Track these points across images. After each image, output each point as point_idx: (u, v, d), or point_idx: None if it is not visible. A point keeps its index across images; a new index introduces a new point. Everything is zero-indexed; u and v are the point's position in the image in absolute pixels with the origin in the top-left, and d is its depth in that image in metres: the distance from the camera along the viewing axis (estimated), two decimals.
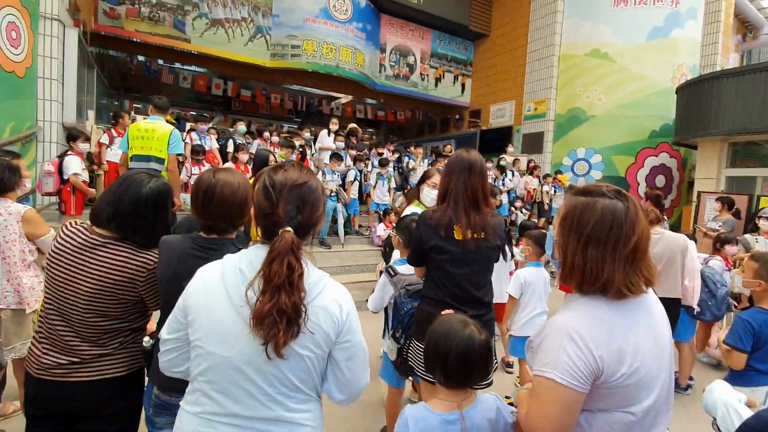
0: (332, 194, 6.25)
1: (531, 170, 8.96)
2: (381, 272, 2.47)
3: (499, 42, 11.27)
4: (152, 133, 3.63)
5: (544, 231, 4.39)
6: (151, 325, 1.59)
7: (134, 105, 11.65)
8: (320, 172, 6.28)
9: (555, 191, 8.45)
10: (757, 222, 4.82)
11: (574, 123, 9.30)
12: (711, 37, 9.99)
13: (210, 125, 6.63)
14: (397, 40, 10.90)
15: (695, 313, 3.44)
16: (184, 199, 5.18)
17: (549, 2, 9.62)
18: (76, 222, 1.47)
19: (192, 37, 8.24)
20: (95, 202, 1.48)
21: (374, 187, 6.91)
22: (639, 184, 8.85)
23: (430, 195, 2.52)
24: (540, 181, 8.70)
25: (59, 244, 1.42)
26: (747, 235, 4.82)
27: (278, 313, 0.92)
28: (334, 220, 6.41)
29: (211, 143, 6.62)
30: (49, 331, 1.42)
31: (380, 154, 7.58)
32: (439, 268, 1.80)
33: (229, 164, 5.83)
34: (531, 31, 10.15)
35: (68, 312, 1.39)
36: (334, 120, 7.36)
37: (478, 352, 1.13)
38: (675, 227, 8.58)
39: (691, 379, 3.55)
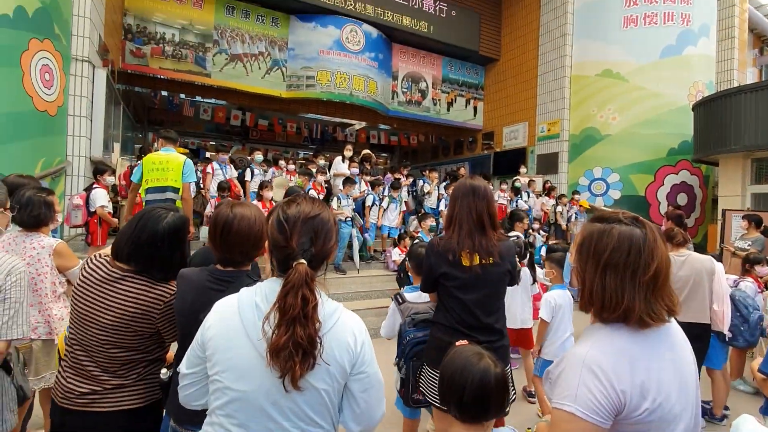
0: (347, 219, 6.29)
1: (547, 191, 8.88)
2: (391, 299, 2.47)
3: (509, 65, 11.42)
4: (167, 164, 3.76)
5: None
6: (170, 356, 1.61)
7: (157, 137, 12.15)
8: (335, 198, 6.34)
9: (576, 216, 8.31)
10: None
11: (589, 143, 9.24)
12: (726, 53, 9.91)
13: (229, 154, 6.76)
14: (409, 67, 11.16)
15: (727, 338, 3.29)
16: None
17: (558, 25, 9.75)
18: (99, 255, 1.53)
19: (212, 72, 8.62)
20: (116, 237, 1.53)
21: (385, 209, 6.90)
22: (660, 202, 8.65)
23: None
24: (555, 202, 8.60)
25: (84, 277, 1.48)
26: None
27: (294, 346, 0.93)
28: (350, 246, 6.43)
29: (231, 172, 6.75)
30: (73, 360, 1.47)
31: (397, 179, 7.62)
32: (449, 295, 1.80)
33: (255, 202, 5.89)
34: (541, 53, 10.26)
35: (89, 343, 1.44)
36: (349, 146, 7.50)
37: (494, 386, 1.11)
38: (700, 247, 8.30)
39: (726, 408, 3.36)
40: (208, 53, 8.59)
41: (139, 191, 3.84)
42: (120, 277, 1.45)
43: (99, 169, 4.83)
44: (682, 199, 8.64)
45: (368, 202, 6.76)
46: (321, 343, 0.97)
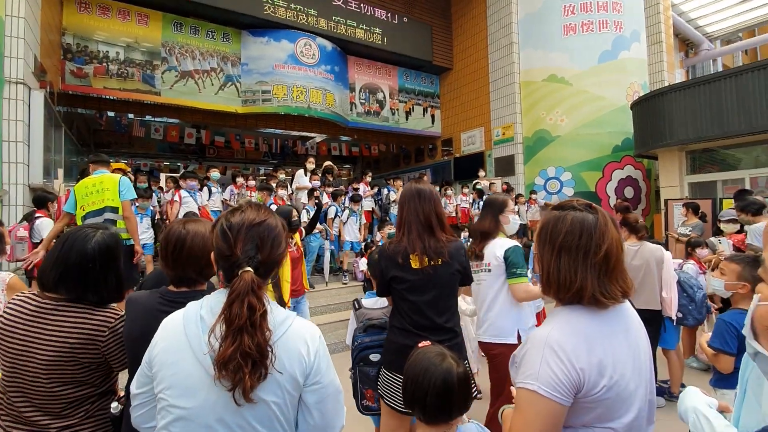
0: (318, 233, 6.24)
1: (506, 192, 9.19)
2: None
3: (462, 74, 11.80)
4: (101, 185, 3.66)
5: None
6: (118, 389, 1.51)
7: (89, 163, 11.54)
8: (303, 211, 6.26)
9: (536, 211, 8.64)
10: (719, 225, 5.03)
11: (541, 144, 9.66)
12: (656, 56, 10.72)
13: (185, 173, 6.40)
14: (365, 78, 11.28)
15: (677, 319, 3.50)
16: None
17: (504, 35, 10.21)
18: (22, 292, 1.41)
19: (162, 90, 8.33)
20: (41, 265, 1.41)
21: (344, 223, 6.79)
22: (609, 197, 9.15)
23: (515, 222, 2.50)
24: (516, 202, 8.90)
25: (9, 315, 1.34)
26: (712, 238, 5.01)
27: (242, 357, 0.89)
28: (318, 259, 6.36)
29: (202, 199, 6.35)
30: (10, 407, 1.33)
31: (356, 190, 7.64)
32: (401, 298, 1.82)
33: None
34: (491, 62, 10.69)
35: (27, 385, 1.30)
36: (311, 159, 7.45)
37: (456, 385, 1.12)
38: (649, 236, 8.83)
39: (683, 386, 3.55)
40: (157, 71, 8.30)
41: (75, 220, 3.62)
42: (54, 307, 1.33)
43: (43, 198, 4.52)
44: (629, 192, 9.18)
45: (330, 214, 6.73)
46: (273, 352, 0.93)
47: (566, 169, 9.34)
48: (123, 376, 1.47)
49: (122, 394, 1.43)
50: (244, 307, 0.91)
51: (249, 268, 0.96)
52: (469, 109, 11.56)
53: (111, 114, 9.40)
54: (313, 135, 12.04)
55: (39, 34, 6.00)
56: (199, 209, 5.96)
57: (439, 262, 1.76)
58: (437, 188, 9.04)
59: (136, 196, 4.29)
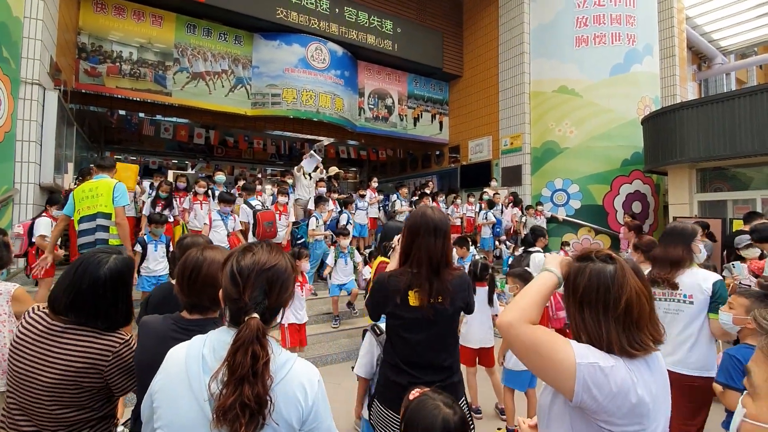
0: (324, 239, 6.27)
1: (513, 203, 9.17)
2: (365, 332, 2.43)
3: (472, 82, 11.78)
4: (96, 190, 3.69)
5: (527, 268, 4.44)
6: (120, 412, 1.53)
7: (115, 156, 11.66)
8: (312, 218, 6.30)
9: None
10: (738, 253, 4.88)
11: (549, 155, 9.62)
12: (669, 70, 10.64)
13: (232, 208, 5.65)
14: (375, 84, 11.31)
15: None
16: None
17: (516, 44, 10.18)
18: (38, 308, 1.44)
19: (173, 91, 8.41)
20: (53, 288, 1.42)
21: (332, 267, 5.61)
22: (617, 210, 9.09)
23: (704, 251, 2.44)
24: (522, 213, 8.88)
25: (21, 332, 1.37)
26: (730, 263, 4.90)
27: (240, 407, 0.90)
28: (321, 265, 6.37)
29: (235, 224, 5.68)
30: (11, 425, 1.35)
31: (362, 196, 7.65)
32: (395, 333, 1.74)
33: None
34: (501, 71, 10.67)
35: (30, 405, 1.32)
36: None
37: None
38: None
39: None
40: (169, 71, 8.38)
41: (73, 223, 3.69)
42: (62, 330, 1.36)
43: (52, 199, 4.60)
44: (636, 207, 9.11)
45: (342, 222, 6.74)
46: (271, 401, 0.93)
47: (574, 181, 9.29)
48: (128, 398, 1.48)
49: (128, 417, 1.45)
50: (248, 357, 0.92)
51: (256, 315, 0.97)
52: (477, 117, 11.54)
53: (122, 113, 9.50)
54: (320, 138, 12.09)
55: (56, 34, 6.08)
56: (228, 235, 5.51)
57: (439, 300, 1.68)
58: (443, 196, 9.05)
59: (128, 203, 4.23)
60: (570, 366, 0.95)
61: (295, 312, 4.23)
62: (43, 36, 5.39)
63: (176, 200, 6.27)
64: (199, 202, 6.18)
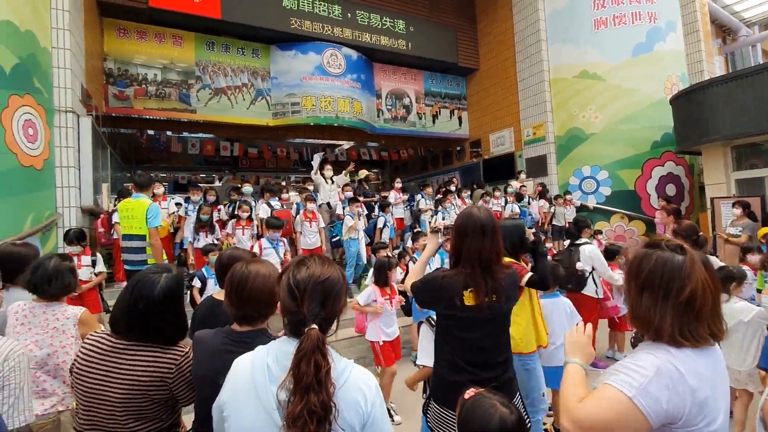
0: (356, 239, 6.34)
1: (540, 194, 8.98)
2: (420, 324, 2.48)
3: (489, 74, 11.62)
4: (132, 212, 3.90)
5: (579, 263, 4.35)
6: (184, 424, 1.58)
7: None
8: (346, 217, 6.42)
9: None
10: None
11: (574, 143, 9.38)
12: (693, 46, 10.20)
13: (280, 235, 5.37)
14: (391, 84, 11.32)
15: None
16: None
17: (532, 32, 9.98)
18: (96, 332, 1.51)
19: (197, 108, 8.67)
20: (113, 309, 1.49)
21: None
22: (650, 195, 8.76)
23: None
24: (552, 204, 8.68)
25: (84, 354, 1.44)
26: None
27: (308, 414, 0.94)
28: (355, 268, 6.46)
29: (286, 248, 5.47)
30: None
31: (385, 197, 7.67)
32: (450, 334, 1.77)
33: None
34: (518, 60, 10.48)
35: (102, 421, 1.39)
36: (328, 166, 7.50)
37: None
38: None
39: None
40: (192, 89, 8.65)
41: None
42: (126, 347, 1.43)
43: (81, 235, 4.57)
44: (670, 189, 8.77)
45: (380, 224, 6.87)
46: (336, 408, 0.98)
47: (602, 167, 9.02)
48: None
49: (189, 428, 1.51)
50: (311, 366, 0.96)
51: (315, 326, 1.01)
52: (497, 109, 11.38)
53: (150, 132, 9.87)
54: (341, 143, 12.21)
55: (83, 61, 6.38)
56: (282, 263, 5.21)
57: (494, 298, 1.70)
58: (467, 192, 8.95)
59: (161, 224, 4.37)
60: (629, 407, 0.95)
61: (385, 329, 3.78)
62: (72, 64, 5.66)
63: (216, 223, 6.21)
64: (241, 227, 5.97)
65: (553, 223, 8.59)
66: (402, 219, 8.30)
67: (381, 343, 3.71)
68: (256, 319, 1.41)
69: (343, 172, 7.68)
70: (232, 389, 1.07)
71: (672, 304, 1.01)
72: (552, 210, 8.49)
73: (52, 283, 1.99)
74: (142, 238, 3.89)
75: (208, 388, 1.27)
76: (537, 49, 9.85)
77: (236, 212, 6.11)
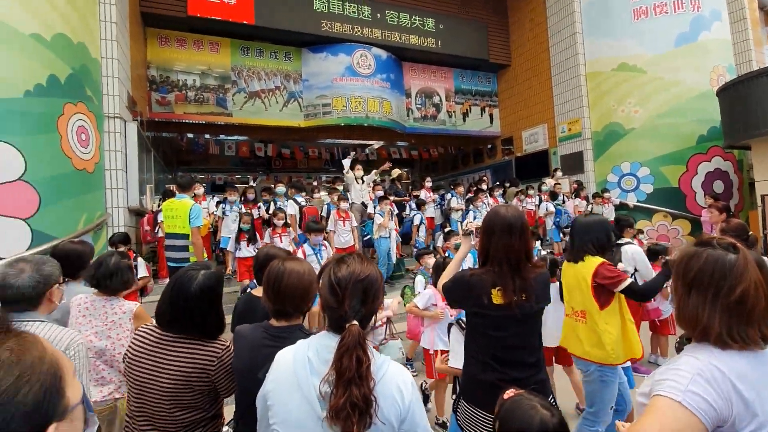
0: (387, 237, 6.39)
1: (576, 192, 8.70)
2: (450, 326, 2.47)
3: (521, 69, 11.37)
4: (176, 212, 4.13)
5: (620, 263, 4.19)
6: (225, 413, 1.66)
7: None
8: (376, 215, 6.50)
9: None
10: None
11: (613, 138, 9.02)
12: (741, 35, 9.57)
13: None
14: (421, 83, 11.28)
15: None
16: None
17: (566, 25, 9.68)
18: (145, 325, 1.61)
19: (233, 111, 8.98)
20: (157, 304, 1.57)
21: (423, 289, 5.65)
22: (695, 192, 8.31)
23: None
24: (589, 202, 8.39)
25: (135, 346, 1.53)
26: None
27: (351, 407, 0.97)
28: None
29: (328, 253, 5.27)
30: (135, 430, 1.52)
31: (416, 197, 7.66)
32: (480, 332, 1.76)
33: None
34: (552, 54, 10.19)
35: (151, 409, 1.47)
36: (359, 166, 7.57)
37: None
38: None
39: None
40: (228, 94, 8.96)
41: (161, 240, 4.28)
42: (172, 340, 1.51)
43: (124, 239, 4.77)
44: (718, 186, 8.28)
45: (416, 221, 6.90)
46: (376, 401, 1.00)
47: (643, 164, 8.63)
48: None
49: (230, 418, 1.58)
50: (353, 361, 1.00)
51: (356, 322, 1.05)
52: (530, 105, 11.11)
53: (190, 135, 10.29)
54: (371, 142, 12.27)
55: (129, 70, 6.73)
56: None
57: (523, 297, 1.67)
58: (500, 191, 8.80)
59: (203, 224, 4.68)
60: (682, 411, 0.92)
61: (443, 336, 3.40)
62: (119, 73, 5.99)
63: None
64: (278, 234, 5.94)
65: None
66: (432, 218, 8.26)
67: (433, 352, 3.41)
68: (292, 314, 1.46)
69: (374, 171, 7.72)
70: (275, 381, 1.12)
71: (722, 305, 0.97)
72: (590, 209, 8.19)
73: (113, 279, 2.14)
74: (185, 236, 4.11)
75: (248, 381, 1.33)
76: (572, 42, 9.55)
77: (272, 221, 6.14)
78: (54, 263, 1.77)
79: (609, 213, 7.97)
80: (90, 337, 2.09)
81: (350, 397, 0.97)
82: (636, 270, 4.28)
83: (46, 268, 1.69)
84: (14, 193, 4.14)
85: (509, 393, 1.24)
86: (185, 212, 4.10)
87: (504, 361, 1.70)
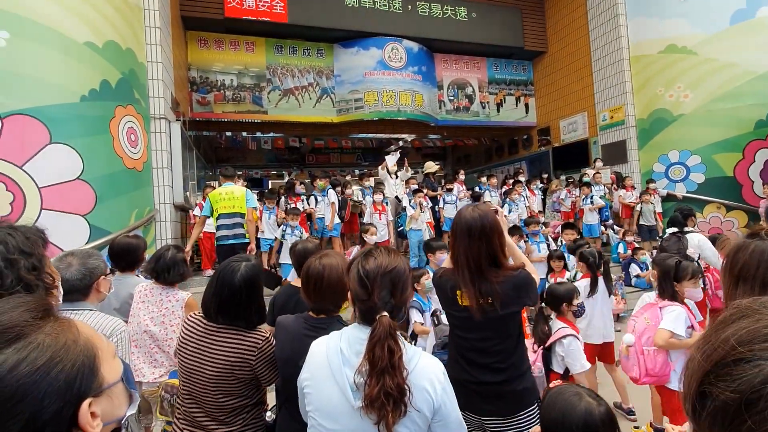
0: (418, 229, 6.40)
1: (616, 182, 8.32)
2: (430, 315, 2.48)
3: (559, 56, 10.94)
4: (232, 195, 4.70)
5: (689, 252, 4.11)
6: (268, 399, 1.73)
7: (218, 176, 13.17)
8: (408, 207, 6.56)
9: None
10: None
11: (660, 125, 8.54)
12: None
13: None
14: (453, 74, 11.10)
15: None
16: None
17: (608, 7, 9.20)
18: (194, 314, 1.69)
19: (268, 109, 9.21)
20: (203, 296, 1.65)
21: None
22: (753, 181, 7.73)
23: None
24: (642, 195, 7.93)
25: (185, 335, 1.62)
26: None
27: (385, 396, 1.00)
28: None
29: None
30: (185, 413, 1.60)
31: (449, 190, 7.59)
32: (452, 332, 1.78)
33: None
34: (593, 39, 9.73)
35: (198, 394, 1.55)
36: (394, 163, 7.58)
37: (600, 426, 1.06)
38: None
39: None
40: (263, 92, 9.20)
41: (211, 221, 4.83)
42: (216, 330, 1.58)
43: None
44: None
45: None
46: (410, 391, 1.02)
47: (694, 152, 8.12)
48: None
49: (273, 404, 1.65)
50: (384, 351, 1.02)
51: (386, 313, 1.07)
52: (568, 93, 10.69)
53: (228, 134, 10.65)
54: (403, 136, 12.24)
55: (172, 72, 7.05)
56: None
57: (489, 301, 1.60)
58: (537, 182, 8.55)
59: (256, 206, 5.23)
60: None
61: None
62: (164, 76, 6.28)
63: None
64: (378, 212, 6.47)
65: (641, 222, 7.51)
66: None
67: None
68: (331, 310, 1.51)
69: (398, 172, 7.70)
70: (310, 370, 1.16)
71: None
72: (639, 208, 7.66)
73: (170, 272, 2.32)
74: (241, 215, 4.67)
75: (291, 369, 1.38)
76: (614, 24, 9.07)
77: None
78: (99, 256, 1.88)
79: (656, 205, 7.58)
80: (146, 322, 2.25)
81: (384, 386, 0.99)
82: (699, 257, 4.26)
83: (91, 261, 1.80)
84: (74, 192, 4.47)
85: (555, 383, 1.23)
86: (242, 194, 4.68)
87: (473, 363, 1.67)
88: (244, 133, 10.72)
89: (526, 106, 11.90)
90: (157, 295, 2.35)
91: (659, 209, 7.69)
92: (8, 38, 4.14)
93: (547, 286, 2.86)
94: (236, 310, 1.58)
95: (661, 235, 6.95)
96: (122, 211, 5.07)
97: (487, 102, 11.46)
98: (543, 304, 2.60)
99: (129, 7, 5.52)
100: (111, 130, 5.00)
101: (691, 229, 4.48)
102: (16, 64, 4.19)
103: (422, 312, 2.97)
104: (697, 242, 4.18)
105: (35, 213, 4.17)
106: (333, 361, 1.11)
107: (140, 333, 2.30)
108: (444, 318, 2.34)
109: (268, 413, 1.62)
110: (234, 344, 1.56)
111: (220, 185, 5.04)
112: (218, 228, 4.72)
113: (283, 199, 7.14)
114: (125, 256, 2.53)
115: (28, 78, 4.27)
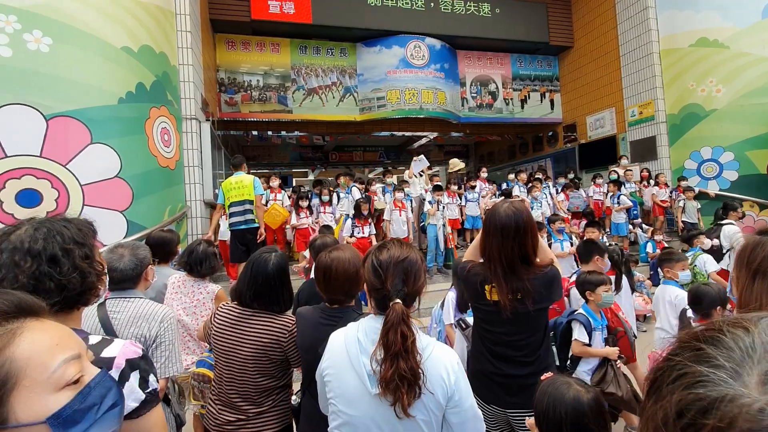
0: (435, 224, 6.47)
1: (647, 179, 8.10)
2: (453, 326, 2.50)
3: (585, 51, 10.70)
4: (241, 183, 5.02)
5: (717, 239, 4.14)
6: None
7: (251, 171, 13.50)
8: (426, 203, 6.68)
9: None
10: None
11: (692, 121, 8.26)
12: None
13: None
14: (476, 71, 11.03)
15: None
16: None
17: (637, 0, 8.95)
18: (223, 305, 1.84)
19: (293, 108, 9.43)
20: (236, 285, 1.79)
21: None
22: None
23: None
24: (673, 193, 7.72)
25: (218, 322, 1.76)
26: None
27: (399, 378, 1.06)
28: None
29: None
30: (220, 393, 1.74)
31: (472, 188, 7.59)
32: (478, 326, 1.80)
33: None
34: (621, 32, 9.48)
35: (233, 375, 1.69)
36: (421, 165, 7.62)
37: (588, 412, 1.12)
38: None
39: None
40: (288, 91, 9.41)
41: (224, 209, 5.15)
42: (250, 315, 1.72)
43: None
44: None
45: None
46: (424, 374, 1.09)
47: (726, 148, 7.83)
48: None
49: (297, 389, 1.76)
50: (398, 335, 1.09)
51: (398, 300, 1.14)
52: (595, 89, 10.45)
53: (254, 133, 10.95)
54: (425, 134, 12.25)
55: (202, 74, 7.32)
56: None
57: (519, 297, 1.63)
58: (562, 180, 8.42)
59: (264, 193, 5.66)
60: None
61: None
62: (194, 78, 6.54)
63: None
64: (398, 209, 6.55)
65: (683, 219, 7.30)
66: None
67: None
68: (344, 300, 1.61)
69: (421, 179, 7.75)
70: (329, 359, 1.24)
71: None
72: (682, 204, 7.38)
73: (203, 265, 2.48)
74: (250, 202, 4.96)
75: (311, 355, 1.49)
76: (644, 17, 8.82)
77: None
78: (145, 247, 2.03)
79: (688, 202, 7.35)
80: (179, 311, 2.41)
81: (398, 369, 1.06)
82: (732, 248, 4.30)
83: (140, 252, 1.95)
84: (113, 189, 4.75)
85: (547, 375, 1.28)
86: (250, 182, 4.99)
87: (498, 356, 1.72)
88: (270, 132, 10.99)
89: (552, 102, 11.70)
90: (189, 286, 2.51)
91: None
92: (51, 44, 4.43)
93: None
94: (270, 295, 1.73)
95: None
96: (157, 207, 5.34)
97: (511, 98, 11.34)
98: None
99: (162, 12, 5.78)
100: (146, 130, 5.27)
101: (728, 221, 4.64)
102: (59, 69, 4.48)
103: (590, 332, 2.43)
104: (728, 233, 4.25)
105: (78, 209, 4.46)
106: (351, 350, 1.18)
107: None
108: (471, 320, 2.36)
109: (293, 397, 1.74)
110: (267, 327, 1.70)
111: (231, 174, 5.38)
112: (230, 215, 5.02)
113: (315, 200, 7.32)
114: (160, 249, 2.71)
115: (70, 81, 4.56)
